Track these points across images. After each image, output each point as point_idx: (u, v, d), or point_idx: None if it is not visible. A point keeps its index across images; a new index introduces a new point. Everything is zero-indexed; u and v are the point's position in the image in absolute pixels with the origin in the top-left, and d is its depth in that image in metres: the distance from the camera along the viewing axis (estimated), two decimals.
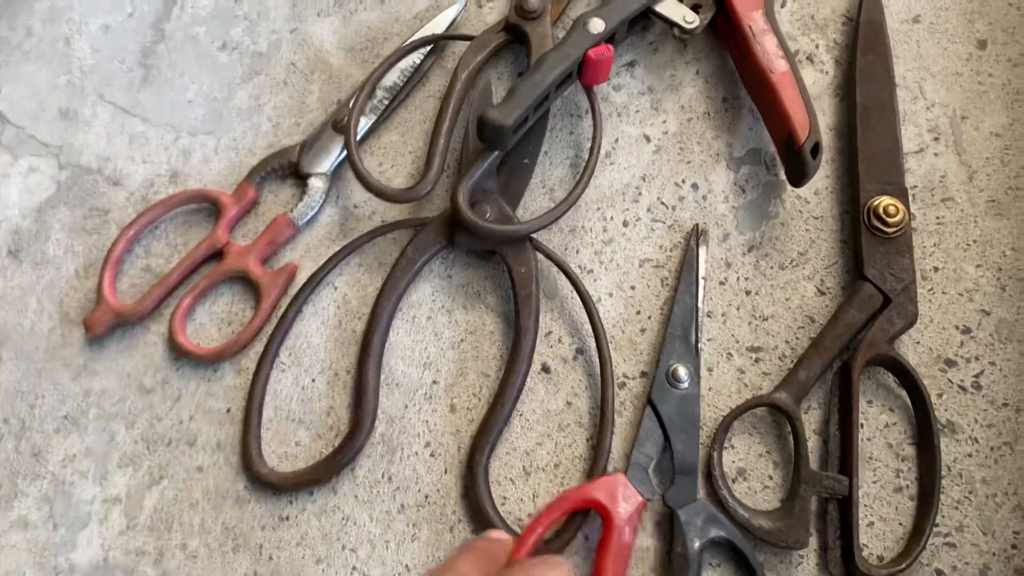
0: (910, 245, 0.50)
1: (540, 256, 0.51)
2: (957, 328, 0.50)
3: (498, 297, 0.52)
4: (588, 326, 0.50)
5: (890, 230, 0.50)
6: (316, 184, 0.53)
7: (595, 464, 0.48)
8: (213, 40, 0.57)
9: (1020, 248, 0.51)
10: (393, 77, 0.55)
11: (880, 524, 0.47)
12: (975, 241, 0.52)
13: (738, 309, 0.51)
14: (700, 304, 0.50)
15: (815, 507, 0.47)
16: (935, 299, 0.51)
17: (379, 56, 0.56)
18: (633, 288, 0.52)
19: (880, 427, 0.49)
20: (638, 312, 0.51)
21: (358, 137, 0.54)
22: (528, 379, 0.50)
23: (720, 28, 0.54)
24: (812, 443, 0.48)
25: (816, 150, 0.48)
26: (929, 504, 0.47)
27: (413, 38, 0.55)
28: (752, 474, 0.49)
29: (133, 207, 0.54)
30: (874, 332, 0.48)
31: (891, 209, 0.49)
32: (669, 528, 0.47)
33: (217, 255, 0.52)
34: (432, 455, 0.49)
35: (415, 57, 0.55)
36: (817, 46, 0.56)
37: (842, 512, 0.47)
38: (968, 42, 0.55)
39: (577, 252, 0.53)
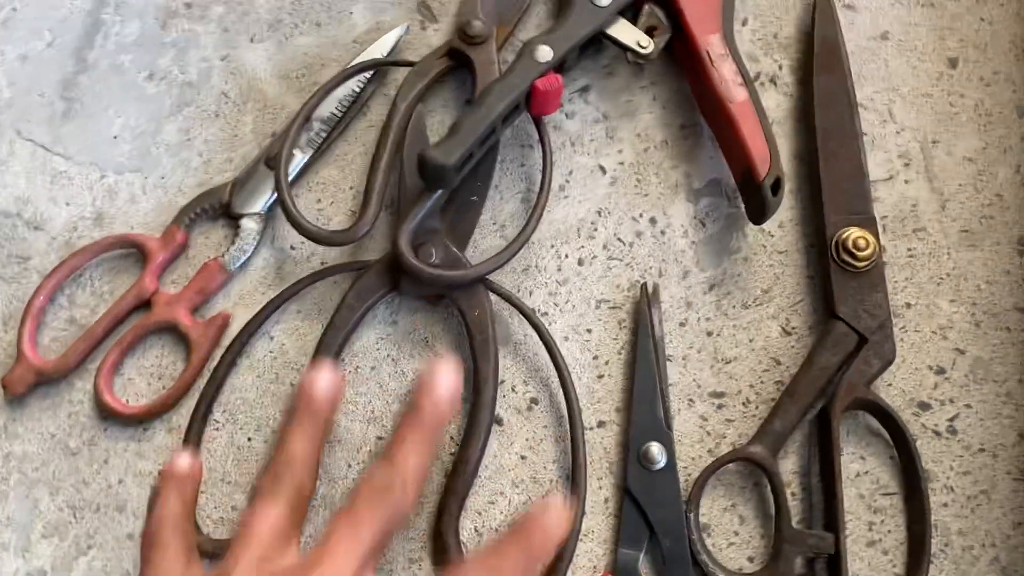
0: (883, 279, 0.47)
1: (494, 298, 0.48)
2: (931, 368, 0.48)
3: (447, 343, 0.49)
4: (543, 373, 0.47)
5: (860, 264, 0.47)
6: (249, 226, 0.50)
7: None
8: (139, 70, 0.53)
9: (995, 281, 0.49)
10: (330, 107, 0.51)
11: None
12: (948, 274, 0.49)
13: (699, 352, 0.48)
14: (662, 372, 0.47)
15: (801, 566, 0.44)
16: (908, 337, 0.48)
17: (316, 84, 0.53)
18: (590, 331, 0.49)
19: (851, 476, 0.46)
20: (595, 357, 0.49)
21: (294, 173, 0.51)
22: None
23: (677, 51, 0.51)
24: (791, 495, 0.46)
25: (777, 186, 0.46)
26: (920, 556, 0.44)
27: (350, 64, 0.52)
28: (716, 530, 0.46)
29: (55, 253, 0.50)
30: (851, 374, 0.46)
31: (860, 242, 0.47)
32: None
33: (145, 305, 0.49)
34: None
35: (354, 85, 0.52)
36: (780, 67, 0.52)
37: (831, 570, 0.44)
38: (939, 60, 0.52)
39: (531, 293, 0.50)
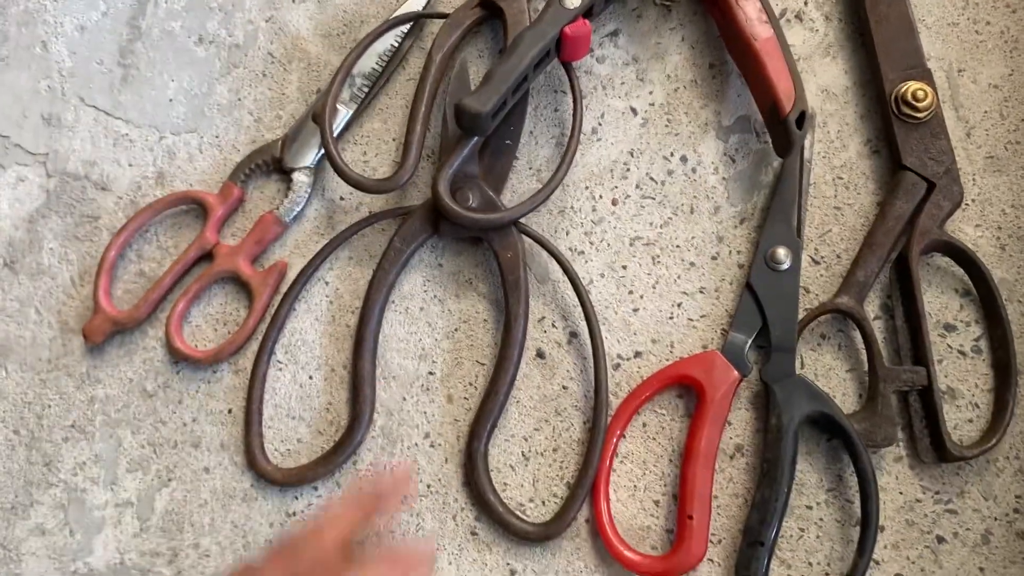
0: (943, 126, 0.49)
1: (529, 240, 0.51)
2: (956, 291, 0.49)
3: (490, 284, 0.52)
4: (580, 309, 0.50)
5: (921, 114, 0.49)
6: (300, 179, 0.53)
7: (591, 446, 0.48)
8: (189, 34, 0.56)
9: (1019, 205, 0.50)
10: (370, 62, 0.54)
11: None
12: (973, 200, 0.50)
13: (731, 283, 0.51)
14: (804, 187, 0.49)
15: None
16: (933, 261, 0.50)
17: (356, 40, 0.55)
18: (625, 268, 0.51)
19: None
20: (630, 292, 0.51)
21: (340, 127, 0.53)
22: (523, 365, 0.50)
23: None
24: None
25: (802, 120, 0.47)
26: (1007, 375, 0.47)
27: (390, 19, 0.54)
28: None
29: (122, 211, 0.54)
30: (924, 219, 0.48)
31: (919, 93, 0.49)
32: (765, 403, 0.48)
33: (207, 256, 0.53)
34: (432, 446, 0.50)
35: (392, 40, 0.54)
36: (806, 3, 0.53)
37: (924, 401, 0.47)
38: None
39: (567, 234, 0.52)
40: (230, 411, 0.51)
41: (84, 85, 0.56)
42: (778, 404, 0.47)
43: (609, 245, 0.52)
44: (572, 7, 0.49)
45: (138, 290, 0.53)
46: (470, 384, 0.51)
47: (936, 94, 0.49)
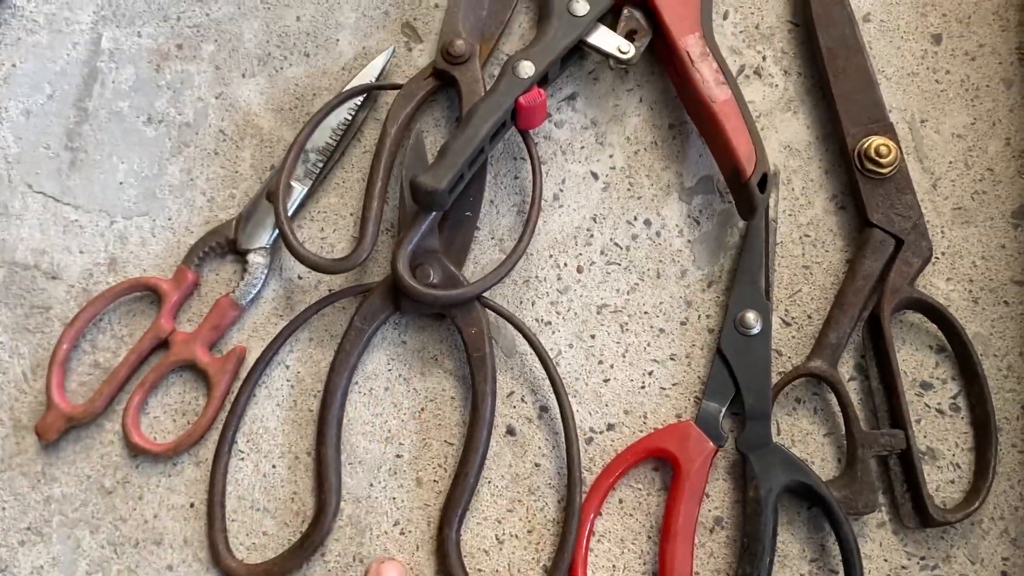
0: (909, 181, 0.49)
1: (494, 314, 0.50)
2: (931, 348, 0.48)
3: (456, 360, 0.50)
4: (550, 383, 0.49)
5: (885, 170, 0.48)
6: (256, 260, 0.51)
7: (567, 527, 0.47)
8: (138, 114, 0.55)
9: (990, 256, 0.49)
10: (324, 137, 0.53)
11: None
12: (943, 253, 0.49)
13: (701, 348, 0.49)
14: (770, 248, 0.49)
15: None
16: (906, 318, 0.49)
17: (309, 114, 0.54)
18: (593, 337, 0.50)
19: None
20: (600, 362, 0.50)
21: (295, 205, 0.52)
22: (493, 444, 0.49)
23: (659, 51, 0.52)
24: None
25: (764, 182, 0.46)
26: (987, 433, 0.46)
27: (342, 92, 0.53)
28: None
29: (74, 300, 0.52)
30: (894, 277, 0.47)
31: (883, 149, 0.48)
32: (743, 473, 0.47)
33: (163, 344, 0.51)
34: (402, 533, 0.48)
35: (345, 112, 0.53)
36: (764, 58, 0.53)
37: (904, 465, 0.46)
38: (922, 38, 0.52)
39: (533, 304, 0.51)
40: (192, 505, 0.49)
41: (31, 171, 0.55)
42: (755, 475, 0.46)
43: (576, 314, 0.50)
44: (526, 76, 0.48)
45: (93, 382, 0.51)
46: (439, 465, 0.49)
47: (900, 148, 0.48)
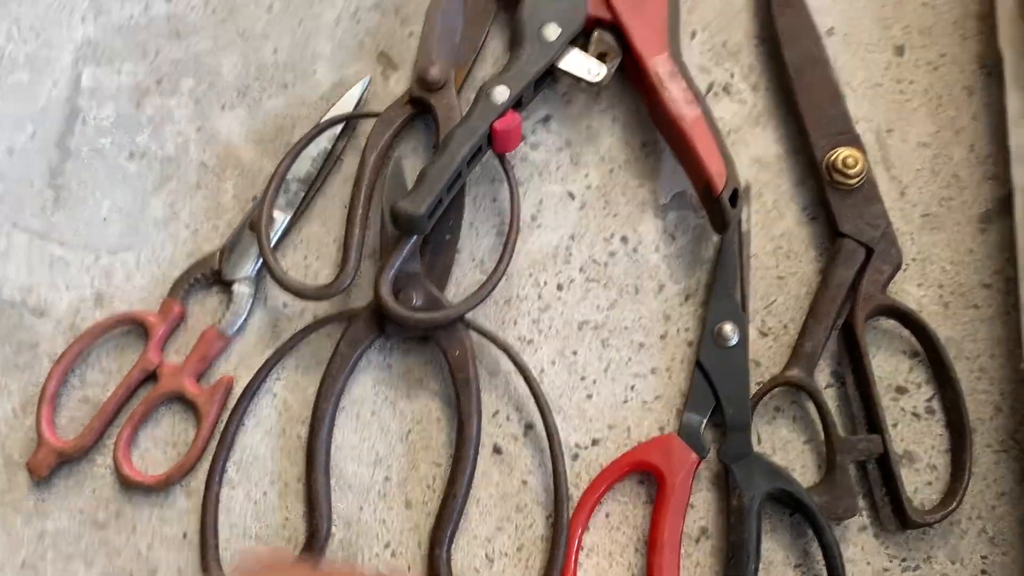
0: (876, 190, 0.50)
1: (477, 334, 0.50)
2: (904, 353, 0.50)
3: (441, 382, 0.51)
4: (534, 401, 0.49)
5: (853, 181, 0.49)
6: (241, 290, 0.52)
7: (555, 543, 0.47)
8: (120, 150, 0.56)
9: (958, 262, 0.50)
10: (305, 166, 0.53)
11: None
12: (913, 259, 0.51)
13: (681, 361, 0.50)
14: (745, 260, 0.50)
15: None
16: (880, 325, 0.50)
17: (289, 144, 0.55)
18: (575, 353, 0.51)
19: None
20: (583, 378, 0.51)
21: (278, 234, 0.53)
22: (480, 463, 0.49)
23: (629, 72, 0.53)
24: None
25: (735, 198, 0.47)
26: (962, 435, 0.47)
27: (320, 122, 0.54)
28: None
29: (62, 336, 0.53)
30: (866, 284, 0.48)
31: (849, 160, 0.49)
32: (726, 483, 0.47)
33: (152, 377, 0.52)
34: (393, 555, 0.49)
35: (325, 142, 0.54)
36: (732, 75, 0.54)
37: (882, 469, 0.47)
38: (885, 49, 0.54)
39: (515, 323, 0.52)
40: (185, 535, 0.50)
41: (16, 209, 0.55)
42: (738, 484, 0.46)
43: (558, 332, 0.51)
44: (500, 101, 0.49)
45: (83, 417, 0.52)
46: (428, 487, 0.50)
47: (867, 158, 0.49)
